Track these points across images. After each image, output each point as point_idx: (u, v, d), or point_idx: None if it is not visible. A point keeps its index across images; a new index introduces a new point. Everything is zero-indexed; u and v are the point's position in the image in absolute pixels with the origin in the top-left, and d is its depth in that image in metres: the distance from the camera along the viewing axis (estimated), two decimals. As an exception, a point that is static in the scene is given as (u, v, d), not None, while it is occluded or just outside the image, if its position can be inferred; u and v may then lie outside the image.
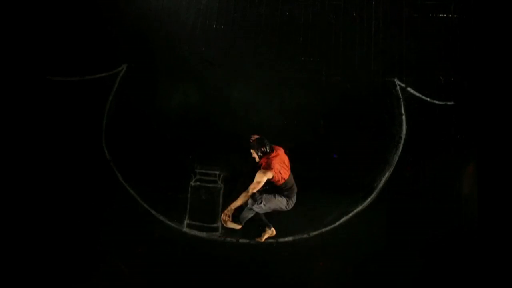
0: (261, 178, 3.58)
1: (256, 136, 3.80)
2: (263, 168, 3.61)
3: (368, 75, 4.65)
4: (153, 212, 4.44)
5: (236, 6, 4.91)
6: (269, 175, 3.59)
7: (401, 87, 4.59)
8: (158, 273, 4.27)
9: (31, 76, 4.78)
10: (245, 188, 3.72)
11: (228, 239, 4.34)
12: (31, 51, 4.84)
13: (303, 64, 4.73)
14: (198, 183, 4.47)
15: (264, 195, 3.75)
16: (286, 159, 3.81)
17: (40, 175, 4.51)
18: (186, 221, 4.42)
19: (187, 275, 4.25)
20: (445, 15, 4.74)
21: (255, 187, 3.61)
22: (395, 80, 4.61)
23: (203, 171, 4.50)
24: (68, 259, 4.31)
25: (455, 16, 4.72)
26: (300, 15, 4.85)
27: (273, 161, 3.64)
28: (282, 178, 3.70)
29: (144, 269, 4.27)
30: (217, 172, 4.49)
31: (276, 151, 3.73)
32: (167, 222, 4.41)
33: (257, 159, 3.76)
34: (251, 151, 3.76)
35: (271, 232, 4.15)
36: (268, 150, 3.69)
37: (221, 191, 4.44)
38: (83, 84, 4.77)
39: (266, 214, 4.06)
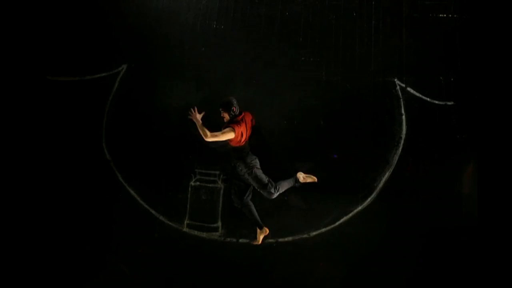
0: (227, 132, 3.83)
1: (225, 99, 4.03)
2: (230, 126, 3.86)
3: (368, 75, 4.65)
4: (153, 212, 4.44)
5: (236, 6, 4.91)
6: (232, 134, 3.83)
7: (401, 87, 4.59)
8: (158, 273, 4.27)
9: (31, 76, 4.78)
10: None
11: (228, 239, 4.34)
12: (31, 51, 4.84)
13: (303, 64, 4.73)
14: (198, 183, 4.48)
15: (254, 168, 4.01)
16: (249, 122, 4.08)
17: (40, 175, 4.51)
18: (186, 221, 4.42)
19: (187, 275, 4.25)
20: (445, 15, 4.74)
21: (217, 134, 3.81)
22: (395, 80, 4.61)
23: (203, 171, 4.50)
24: (68, 259, 4.32)
25: (455, 16, 4.72)
26: (300, 15, 4.85)
27: (240, 123, 3.92)
28: (243, 139, 3.97)
29: (144, 269, 4.27)
30: (217, 172, 4.49)
31: (242, 114, 4.02)
32: (167, 222, 4.41)
33: (226, 119, 3.99)
34: (221, 111, 4.00)
35: (264, 231, 4.14)
36: (237, 112, 3.99)
37: (221, 191, 4.44)
38: (83, 84, 4.77)
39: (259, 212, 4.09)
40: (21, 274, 4.27)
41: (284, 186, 4.10)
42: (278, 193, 4.02)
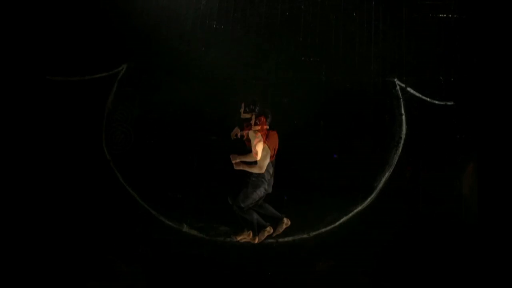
0: (259, 147, 3.86)
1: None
2: (257, 138, 3.90)
3: (368, 75, 4.65)
4: (153, 212, 4.43)
5: (236, 6, 4.91)
6: (262, 144, 3.87)
7: (401, 87, 4.59)
8: (158, 273, 4.27)
9: (31, 76, 4.77)
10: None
11: (228, 239, 4.33)
12: (31, 51, 4.83)
13: (303, 64, 4.73)
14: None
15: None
16: (276, 140, 4.08)
17: (40, 175, 4.51)
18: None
19: (187, 275, 4.25)
20: (445, 15, 4.74)
21: (257, 150, 3.85)
22: (395, 80, 4.61)
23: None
24: (68, 259, 4.31)
25: (455, 16, 4.72)
26: (300, 15, 4.85)
27: (270, 135, 3.96)
28: (273, 154, 4.00)
29: (144, 269, 4.27)
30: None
31: (265, 129, 4.01)
32: (167, 222, 4.41)
33: (253, 120, 4.05)
34: (243, 106, 4.06)
35: (268, 231, 4.12)
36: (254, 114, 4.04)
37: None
38: (83, 84, 4.76)
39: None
40: (21, 274, 4.26)
41: (254, 219, 4.07)
42: (245, 213, 4.03)
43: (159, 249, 4.33)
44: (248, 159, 3.91)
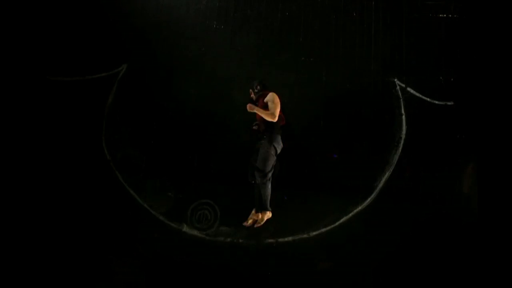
0: (274, 99, 3.96)
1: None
2: (268, 97, 4.00)
3: (368, 75, 4.65)
4: (153, 212, 4.43)
5: (236, 6, 4.91)
6: (277, 99, 3.96)
7: (401, 87, 4.59)
8: (158, 273, 4.26)
9: (31, 76, 4.78)
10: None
11: (229, 239, 4.34)
12: (31, 51, 4.83)
13: (303, 64, 4.73)
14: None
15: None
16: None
17: (40, 175, 4.51)
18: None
19: (187, 275, 4.25)
20: (445, 15, 4.74)
21: (271, 109, 3.91)
22: (395, 80, 4.61)
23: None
24: (67, 259, 4.31)
25: (455, 16, 4.72)
26: (300, 15, 4.85)
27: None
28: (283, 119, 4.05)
29: (144, 269, 4.27)
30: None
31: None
32: (167, 222, 4.41)
33: (252, 97, 4.18)
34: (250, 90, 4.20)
35: (268, 215, 4.15)
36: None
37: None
38: (83, 84, 4.77)
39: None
40: (20, 274, 4.26)
41: (269, 193, 4.09)
42: (264, 185, 4.03)
43: (159, 249, 4.33)
44: (263, 114, 3.92)
